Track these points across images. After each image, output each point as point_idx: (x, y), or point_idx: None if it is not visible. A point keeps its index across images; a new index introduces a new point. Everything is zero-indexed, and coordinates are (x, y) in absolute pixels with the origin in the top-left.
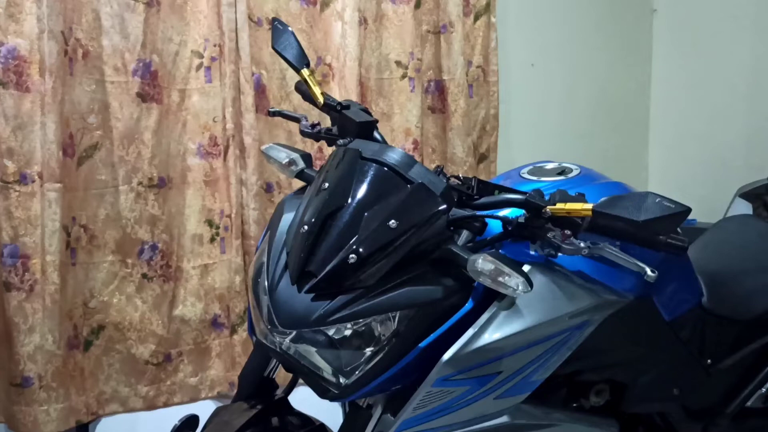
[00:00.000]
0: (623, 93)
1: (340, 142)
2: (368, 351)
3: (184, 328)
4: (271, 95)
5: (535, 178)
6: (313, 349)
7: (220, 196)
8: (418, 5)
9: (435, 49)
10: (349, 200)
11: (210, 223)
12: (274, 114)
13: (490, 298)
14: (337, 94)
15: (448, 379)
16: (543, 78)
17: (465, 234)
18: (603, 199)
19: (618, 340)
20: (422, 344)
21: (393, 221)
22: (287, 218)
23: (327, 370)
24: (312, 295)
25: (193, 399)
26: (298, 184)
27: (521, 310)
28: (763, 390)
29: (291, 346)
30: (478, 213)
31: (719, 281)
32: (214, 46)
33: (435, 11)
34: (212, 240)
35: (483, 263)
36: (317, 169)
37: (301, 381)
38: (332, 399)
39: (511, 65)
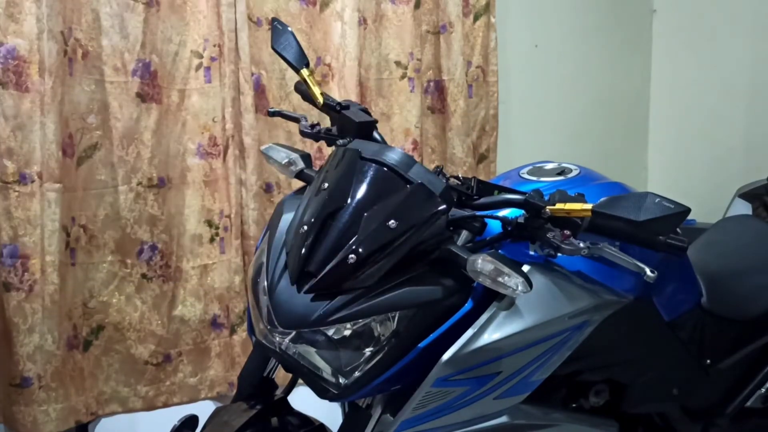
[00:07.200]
0: (623, 93)
1: (340, 142)
2: (368, 351)
3: (183, 329)
4: (271, 95)
5: (534, 178)
6: (313, 350)
7: (219, 197)
8: (417, 5)
9: (434, 50)
10: (349, 200)
11: (209, 223)
12: (273, 114)
13: (489, 298)
14: (337, 95)
15: (448, 379)
16: (543, 78)
17: (464, 234)
18: (602, 199)
19: (617, 340)
20: (422, 344)
21: (392, 221)
22: (287, 218)
23: (326, 371)
24: (311, 295)
25: (193, 399)
26: (298, 184)
27: (521, 311)
28: (763, 390)
29: (290, 346)
30: (478, 213)
31: (719, 281)
32: (214, 46)
33: (434, 11)
34: (212, 240)
35: (482, 263)
36: (317, 169)
37: (300, 381)
38: (332, 399)
39: (510, 65)
